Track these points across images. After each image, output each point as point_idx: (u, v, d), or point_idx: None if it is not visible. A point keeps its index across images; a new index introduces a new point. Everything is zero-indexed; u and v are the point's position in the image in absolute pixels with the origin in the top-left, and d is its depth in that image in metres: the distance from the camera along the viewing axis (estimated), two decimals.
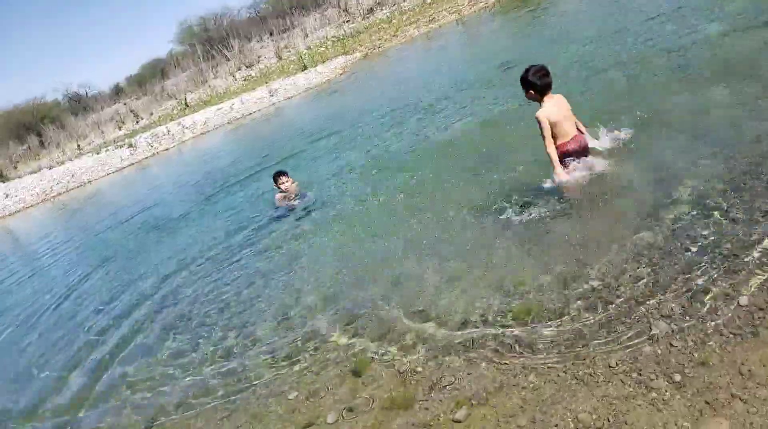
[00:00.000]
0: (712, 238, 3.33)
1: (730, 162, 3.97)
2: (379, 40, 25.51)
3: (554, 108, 4.53)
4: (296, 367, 3.92)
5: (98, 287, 7.69)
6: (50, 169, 27.82)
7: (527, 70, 4.59)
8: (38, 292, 8.53)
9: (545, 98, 4.56)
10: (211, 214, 8.95)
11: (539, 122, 4.53)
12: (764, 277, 2.86)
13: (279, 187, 7.68)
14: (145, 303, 6.23)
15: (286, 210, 7.49)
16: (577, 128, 4.68)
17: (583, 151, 4.66)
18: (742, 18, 6.74)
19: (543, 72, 4.54)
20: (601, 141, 4.82)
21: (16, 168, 33.46)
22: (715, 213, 3.52)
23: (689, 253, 3.30)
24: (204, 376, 4.31)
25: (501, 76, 9.85)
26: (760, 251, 3.05)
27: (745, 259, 3.04)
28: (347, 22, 35.79)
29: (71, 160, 28.72)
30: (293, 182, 7.77)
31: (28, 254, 13.03)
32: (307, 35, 36.98)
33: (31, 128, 42.29)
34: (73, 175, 23.58)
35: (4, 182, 28.31)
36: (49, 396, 4.99)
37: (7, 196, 23.66)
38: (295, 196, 7.66)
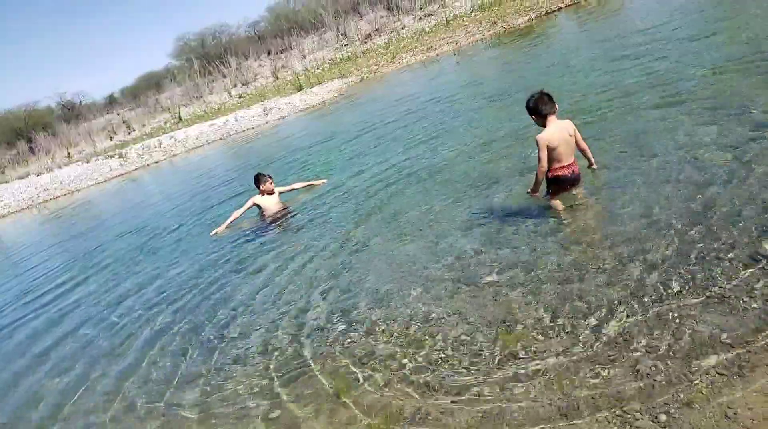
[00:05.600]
0: (698, 275, 3.33)
1: (717, 199, 4.00)
2: (375, 65, 25.73)
3: (556, 133, 4.64)
4: (278, 386, 3.85)
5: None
6: (38, 175, 27.61)
7: (531, 98, 4.75)
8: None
9: (549, 123, 4.68)
10: (197, 229, 8.87)
11: (537, 145, 4.67)
12: (749, 317, 2.86)
13: (260, 189, 7.95)
14: (103, 315, 6.15)
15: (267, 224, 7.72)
16: (585, 154, 4.94)
17: (574, 180, 4.83)
18: (734, 56, 6.87)
19: (545, 98, 4.69)
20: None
21: (3, 173, 33.18)
22: (699, 250, 3.53)
23: (673, 289, 3.30)
24: (183, 390, 4.22)
25: (491, 104, 9.95)
26: (744, 290, 3.06)
27: (730, 298, 3.04)
28: (345, 46, 36.11)
29: (60, 167, 28.52)
30: (273, 185, 8.08)
31: None
32: (304, 56, 37.23)
33: (22, 134, 42.02)
34: (61, 183, 23.42)
35: None
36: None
37: None
38: (281, 211, 7.93)
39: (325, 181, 8.59)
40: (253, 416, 3.64)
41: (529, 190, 4.92)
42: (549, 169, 4.74)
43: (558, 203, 4.88)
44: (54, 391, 4.98)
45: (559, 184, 4.82)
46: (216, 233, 8.02)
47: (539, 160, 4.68)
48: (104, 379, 4.89)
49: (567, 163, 4.73)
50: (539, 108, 4.68)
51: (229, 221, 8.06)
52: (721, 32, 8.59)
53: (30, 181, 26.15)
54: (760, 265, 3.21)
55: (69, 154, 33.38)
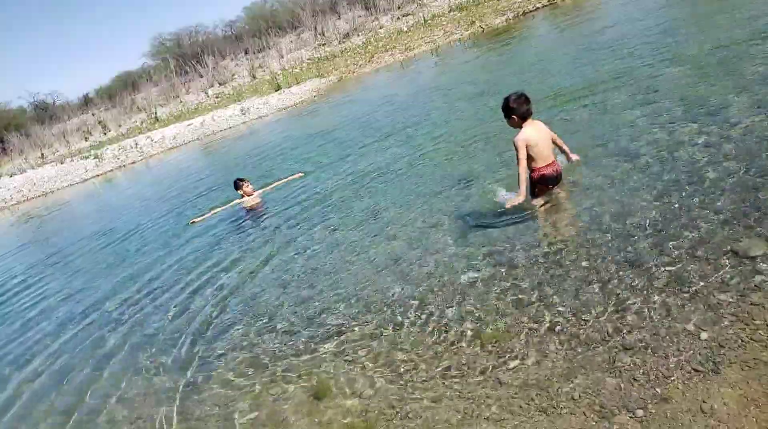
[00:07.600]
0: (675, 272, 3.37)
1: (693, 197, 4.04)
2: (354, 64, 25.69)
3: (533, 133, 4.69)
4: (257, 386, 3.82)
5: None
6: (11, 176, 27.10)
7: (508, 98, 4.75)
8: None
9: (525, 124, 4.72)
10: (176, 228, 8.77)
11: (516, 147, 4.69)
12: (724, 314, 2.90)
13: (239, 192, 8.49)
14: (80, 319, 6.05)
15: (248, 214, 8.11)
16: (562, 149, 5.00)
17: (558, 177, 4.91)
18: (711, 53, 6.97)
19: (523, 99, 4.71)
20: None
21: None
22: (677, 247, 3.57)
23: (650, 286, 3.33)
24: (161, 387, 4.16)
25: (470, 102, 9.98)
26: (719, 287, 3.10)
27: (706, 295, 3.08)
28: (323, 45, 36.02)
29: (33, 168, 28.03)
30: (252, 187, 8.56)
31: None
32: (282, 56, 37.05)
33: None
34: (34, 184, 23.01)
35: None
36: None
37: None
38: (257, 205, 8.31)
39: (301, 173, 8.93)
40: (232, 417, 3.61)
41: (510, 204, 4.79)
42: (532, 169, 4.77)
43: (539, 201, 4.89)
44: None
45: (543, 184, 4.85)
46: (193, 223, 8.45)
47: (519, 161, 4.69)
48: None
49: (550, 161, 4.79)
50: (517, 108, 4.70)
51: (209, 214, 8.50)
52: (695, 30, 8.72)
53: (2, 183, 25.65)
54: (736, 263, 3.25)
55: (42, 154, 32.81)
